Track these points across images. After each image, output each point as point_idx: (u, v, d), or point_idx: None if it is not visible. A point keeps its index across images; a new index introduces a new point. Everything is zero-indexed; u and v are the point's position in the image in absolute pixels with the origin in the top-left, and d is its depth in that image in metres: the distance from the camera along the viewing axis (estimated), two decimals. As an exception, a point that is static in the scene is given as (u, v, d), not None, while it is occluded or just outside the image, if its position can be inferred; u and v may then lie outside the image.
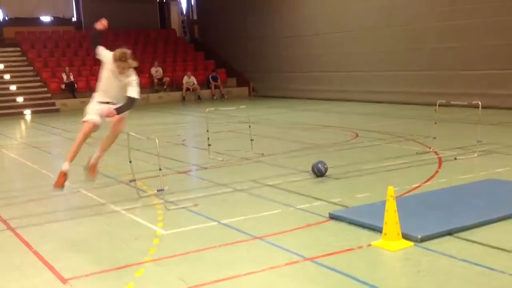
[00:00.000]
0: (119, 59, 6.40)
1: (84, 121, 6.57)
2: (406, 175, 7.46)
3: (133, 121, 16.39)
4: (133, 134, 7.18)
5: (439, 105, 9.44)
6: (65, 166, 6.34)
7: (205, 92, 23.51)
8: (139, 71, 24.65)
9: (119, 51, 6.50)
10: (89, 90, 22.46)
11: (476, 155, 8.42)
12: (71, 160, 6.43)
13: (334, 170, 7.80)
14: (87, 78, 22.80)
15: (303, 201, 6.33)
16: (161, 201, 6.60)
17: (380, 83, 17.83)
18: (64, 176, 6.28)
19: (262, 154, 9.40)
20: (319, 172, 7.52)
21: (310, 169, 7.64)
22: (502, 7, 14.27)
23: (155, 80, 23.37)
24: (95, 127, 6.60)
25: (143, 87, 25.49)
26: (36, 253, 5.03)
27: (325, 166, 7.58)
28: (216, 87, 23.69)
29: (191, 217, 5.92)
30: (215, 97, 23.51)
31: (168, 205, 6.43)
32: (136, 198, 6.80)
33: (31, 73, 22.93)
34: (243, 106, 10.79)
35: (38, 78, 22.68)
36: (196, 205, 6.38)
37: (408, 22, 16.82)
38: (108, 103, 6.61)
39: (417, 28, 16.55)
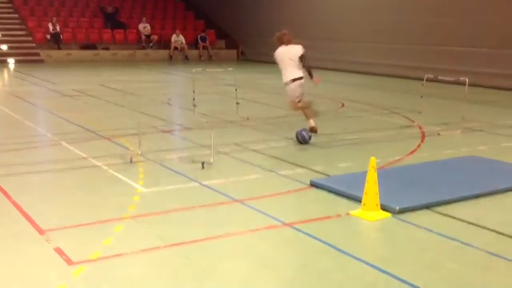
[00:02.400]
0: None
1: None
2: (389, 148, 7.51)
3: (119, 77, 16.25)
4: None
5: (426, 80, 9.45)
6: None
7: (193, 52, 23.23)
8: (127, 26, 23.99)
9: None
10: (75, 42, 22.12)
11: (459, 131, 8.48)
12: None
13: (318, 138, 7.81)
14: (73, 30, 22.38)
15: (286, 168, 6.35)
16: (143, 159, 6.57)
17: (370, 55, 17.75)
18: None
19: (247, 118, 9.37)
20: (303, 140, 7.53)
21: (294, 136, 7.65)
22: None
23: (143, 37, 23.01)
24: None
25: (130, 43, 25.15)
26: (14, 203, 5.00)
27: (309, 134, 7.59)
28: (205, 48, 23.41)
29: (172, 177, 5.91)
30: (202, 58, 23.26)
31: (150, 164, 6.41)
32: (118, 154, 6.75)
33: (16, 21, 22.41)
34: (230, 69, 10.71)
35: (24, 26, 22.20)
36: (178, 164, 6.36)
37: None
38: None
39: (410, 1, 16.41)
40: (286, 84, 8.09)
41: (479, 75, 13.91)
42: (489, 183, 5.62)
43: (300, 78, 7.96)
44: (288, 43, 8.05)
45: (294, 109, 8.27)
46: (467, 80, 8.86)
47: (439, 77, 10.00)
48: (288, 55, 8.00)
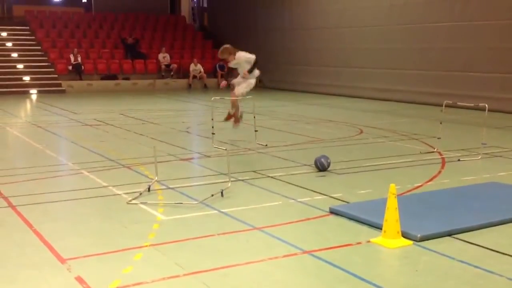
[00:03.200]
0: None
1: None
2: (409, 174, 7.46)
3: (139, 106, 16.47)
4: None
5: (445, 106, 9.41)
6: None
7: (212, 81, 23.49)
8: (146, 57, 24.47)
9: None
10: (96, 72, 22.54)
11: (480, 157, 8.40)
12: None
13: (337, 165, 7.79)
14: (95, 61, 22.82)
15: (304, 195, 6.34)
16: (163, 187, 6.62)
17: (388, 81, 17.77)
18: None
19: (266, 145, 9.40)
20: (321, 167, 7.52)
21: (313, 163, 7.64)
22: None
23: (163, 66, 23.36)
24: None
25: (150, 73, 25.60)
26: (36, 232, 5.05)
27: (328, 160, 7.58)
28: (223, 76, 23.64)
29: (191, 205, 5.92)
30: (221, 86, 23.43)
31: (169, 192, 6.45)
32: (138, 183, 6.81)
33: (39, 53, 22.95)
34: (249, 97, 10.77)
35: (46, 58, 22.70)
36: (197, 192, 6.39)
37: (419, 21, 16.73)
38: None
39: (427, 27, 16.46)
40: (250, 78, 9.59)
41: (498, 100, 13.84)
42: (511, 209, 5.54)
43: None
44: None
45: (235, 103, 9.64)
46: (486, 105, 8.81)
47: (458, 103, 9.94)
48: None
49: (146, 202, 5.95)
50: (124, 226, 5.25)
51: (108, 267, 4.27)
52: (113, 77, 22.54)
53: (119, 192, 6.44)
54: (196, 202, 5.98)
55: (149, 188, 6.41)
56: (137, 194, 6.23)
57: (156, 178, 6.70)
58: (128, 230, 5.13)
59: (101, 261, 4.39)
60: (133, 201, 6.01)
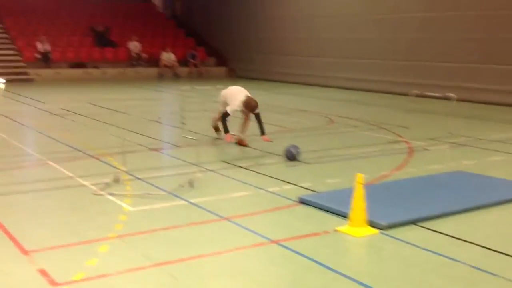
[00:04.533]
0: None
1: None
2: (377, 163, 7.53)
3: (108, 95, 16.24)
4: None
5: (413, 95, 9.51)
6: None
7: (183, 70, 23.29)
8: (117, 44, 24.04)
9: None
10: (64, 61, 22.12)
11: (446, 146, 8.52)
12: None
13: (307, 154, 7.82)
14: (63, 49, 22.40)
15: (274, 184, 6.35)
16: (131, 177, 6.55)
17: (359, 71, 17.88)
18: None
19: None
20: (291, 156, 7.54)
21: (283, 152, 7.65)
22: (483, 1, 14.37)
23: (133, 55, 23.05)
24: None
25: (120, 61, 25.20)
26: (-1, 224, 4.95)
27: (298, 150, 7.60)
28: (195, 65, 23.49)
29: (160, 195, 5.88)
30: (193, 75, 23.30)
31: (137, 182, 6.38)
32: (105, 173, 6.72)
33: (5, 41, 22.39)
34: (220, 86, 10.71)
35: (12, 46, 22.18)
36: (165, 183, 6.34)
37: (389, 12, 16.85)
38: None
39: (397, 18, 16.59)
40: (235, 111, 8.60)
41: (465, 90, 14.05)
42: (475, 198, 5.65)
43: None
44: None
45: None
46: (453, 95, 8.93)
47: (426, 93, 10.07)
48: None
49: (113, 193, 5.88)
50: (90, 218, 5.18)
51: (72, 259, 4.20)
52: (82, 65, 22.15)
53: (86, 183, 6.34)
54: (164, 193, 5.93)
55: (116, 179, 6.33)
56: (104, 185, 6.15)
57: (124, 168, 6.62)
58: (94, 222, 5.06)
59: (65, 253, 4.33)
60: (100, 192, 5.93)
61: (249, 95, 8.61)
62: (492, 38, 14.10)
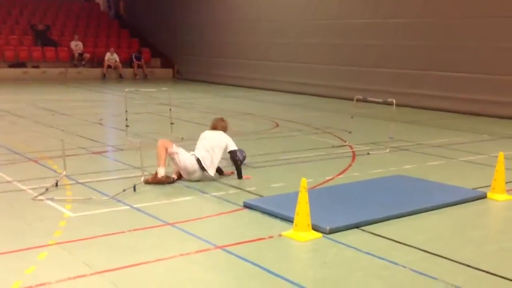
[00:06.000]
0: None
1: None
2: (321, 167, 7.63)
3: (49, 96, 15.77)
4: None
5: (356, 100, 9.72)
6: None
7: (127, 71, 22.92)
8: (58, 44, 23.43)
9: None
10: (3, 60, 21.36)
11: (388, 150, 8.74)
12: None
13: (252, 158, 7.84)
14: (2, 48, 21.61)
15: (219, 189, 6.32)
16: (72, 182, 6.37)
17: (303, 75, 18.08)
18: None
19: (182, 138, 9.29)
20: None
21: (228, 156, 7.62)
22: (425, 8, 14.82)
23: (75, 55, 22.49)
24: None
25: (61, 61, 24.53)
26: None
27: (244, 154, 7.59)
28: (139, 66, 23.15)
29: (102, 200, 5.74)
30: (137, 77, 22.97)
31: (78, 187, 6.22)
32: (45, 177, 6.51)
33: None
34: (165, 88, 10.61)
35: None
36: (108, 187, 6.20)
37: (333, 17, 17.14)
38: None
39: (341, 24, 16.90)
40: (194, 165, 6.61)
41: (406, 95, 14.47)
42: (415, 201, 5.81)
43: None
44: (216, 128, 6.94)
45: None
46: (394, 101, 9.18)
47: (369, 98, 10.30)
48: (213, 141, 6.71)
49: (53, 198, 5.71)
50: (28, 224, 5.00)
51: (10, 267, 4.05)
52: (21, 65, 21.42)
53: (24, 188, 6.13)
54: (106, 198, 5.80)
55: (56, 183, 6.15)
56: (44, 190, 5.96)
57: (65, 172, 6.44)
58: (33, 228, 4.89)
59: (2, 261, 4.16)
60: (39, 197, 5.74)
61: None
62: (432, 45, 14.57)
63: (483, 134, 10.68)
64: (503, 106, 13.06)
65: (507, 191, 6.27)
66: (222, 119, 7.09)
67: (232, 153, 6.70)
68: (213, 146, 6.63)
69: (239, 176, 6.78)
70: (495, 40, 13.20)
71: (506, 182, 6.29)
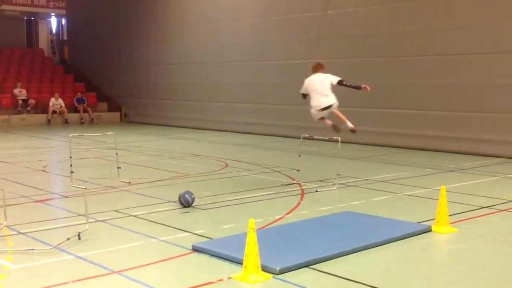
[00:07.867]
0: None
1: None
2: (271, 206, 7.64)
3: (-11, 144, 15.26)
4: None
5: (303, 139, 9.85)
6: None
7: (73, 116, 22.56)
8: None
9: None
10: None
11: (335, 187, 8.85)
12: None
13: (201, 200, 7.78)
14: None
15: (167, 233, 6.22)
16: (13, 232, 6.13)
17: (251, 115, 18.25)
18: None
19: (129, 182, 9.14)
20: (185, 203, 7.45)
21: (177, 199, 7.55)
22: (363, 48, 15.34)
23: (19, 101, 21.98)
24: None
25: (4, 108, 23.93)
26: None
27: (192, 196, 7.53)
28: (85, 110, 22.83)
29: (44, 250, 5.54)
30: (83, 121, 22.62)
31: (20, 237, 5.98)
32: (-16, 229, 6.24)
33: None
34: (110, 133, 10.47)
35: None
36: (51, 237, 6.00)
37: (275, 58, 17.50)
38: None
39: (284, 64, 17.25)
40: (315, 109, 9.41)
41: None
42: (363, 237, 5.86)
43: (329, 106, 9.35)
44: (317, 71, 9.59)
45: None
46: (339, 138, 9.37)
47: (315, 136, 10.46)
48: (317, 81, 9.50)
49: (-8, 251, 5.46)
50: (-36, 279, 4.76)
51: None
52: (-39, 112, 20.79)
53: (-39, 241, 5.85)
54: (49, 247, 5.60)
55: (-4, 235, 5.90)
56: (-18, 242, 5.70)
57: (5, 223, 6.20)
58: (-31, 284, 4.65)
59: None
60: (-23, 250, 5.48)
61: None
62: (373, 84, 15.01)
63: (427, 168, 10.99)
64: (445, 140, 13.53)
65: (451, 223, 6.44)
66: (319, 64, 9.65)
67: (339, 82, 9.44)
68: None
69: (358, 87, 9.56)
70: (430, 77, 13.80)
71: (450, 215, 6.46)
